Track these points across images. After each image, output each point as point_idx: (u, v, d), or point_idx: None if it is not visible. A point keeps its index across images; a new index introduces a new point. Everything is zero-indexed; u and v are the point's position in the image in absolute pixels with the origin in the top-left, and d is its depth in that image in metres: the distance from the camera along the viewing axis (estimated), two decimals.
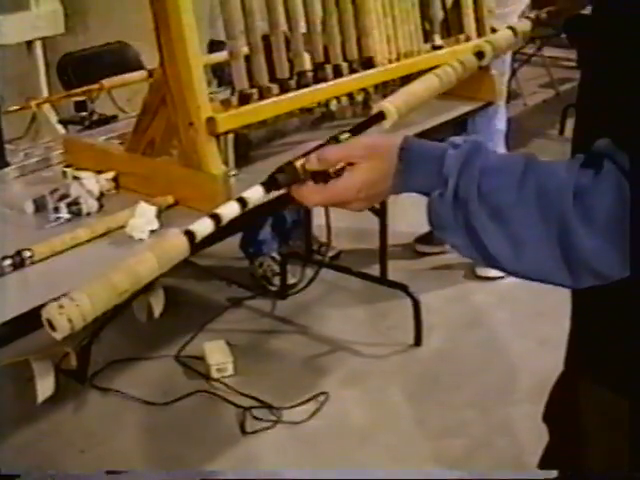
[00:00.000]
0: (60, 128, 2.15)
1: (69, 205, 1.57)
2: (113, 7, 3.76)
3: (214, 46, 2.61)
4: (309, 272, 3.06)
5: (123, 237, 1.47)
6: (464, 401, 2.54)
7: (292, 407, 2.48)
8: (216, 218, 0.84)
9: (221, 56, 2.05)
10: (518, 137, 4.10)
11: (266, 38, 1.66)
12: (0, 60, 3.29)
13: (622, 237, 0.78)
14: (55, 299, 0.75)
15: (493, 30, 2.19)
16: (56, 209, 1.56)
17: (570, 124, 4.44)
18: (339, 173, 0.90)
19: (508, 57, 3.29)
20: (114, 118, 2.20)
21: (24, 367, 2.00)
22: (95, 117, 2.16)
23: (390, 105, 0.98)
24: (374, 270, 3.06)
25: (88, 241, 1.46)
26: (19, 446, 2.31)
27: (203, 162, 1.54)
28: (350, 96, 1.84)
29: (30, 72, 3.64)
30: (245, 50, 1.64)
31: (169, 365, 2.71)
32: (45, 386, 1.95)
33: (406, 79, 1.85)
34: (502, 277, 3.08)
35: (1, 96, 2.79)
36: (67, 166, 1.79)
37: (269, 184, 0.88)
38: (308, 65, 1.76)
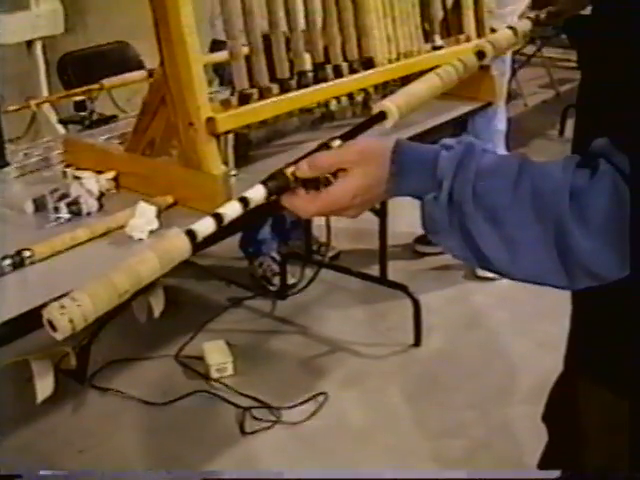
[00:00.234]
0: (60, 128, 2.16)
1: (69, 205, 1.57)
2: (113, 7, 3.76)
3: (216, 45, 2.61)
4: (309, 272, 3.05)
5: (123, 237, 1.47)
6: (464, 401, 2.53)
7: (291, 407, 2.47)
8: (218, 218, 0.83)
9: (221, 56, 2.05)
10: (518, 137, 4.10)
11: (266, 38, 1.66)
12: (0, 60, 3.29)
13: (618, 238, 0.78)
14: (56, 299, 0.74)
15: (493, 30, 2.19)
16: (56, 209, 1.56)
17: (570, 125, 4.44)
18: (330, 180, 0.89)
19: (508, 57, 3.29)
20: (114, 118, 2.20)
21: (23, 367, 1.99)
22: (95, 117, 2.17)
23: (391, 105, 0.97)
24: (374, 270, 3.06)
25: (88, 241, 1.46)
26: (18, 446, 2.31)
27: (203, 162, 1.54)
28: (350, 96, 1.84)
29: (30, 72, 3.64)
30: (245, 50, 1.64)
31: (168, 365, 2.71)
32: (44, 386, 1.94)
33: (406, 79, 1.85)
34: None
35: (1, 95, 2.79)
36: (67, 166, 1.79)
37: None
38: (308, 65, 1.76)
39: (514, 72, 4.83)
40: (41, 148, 1.95)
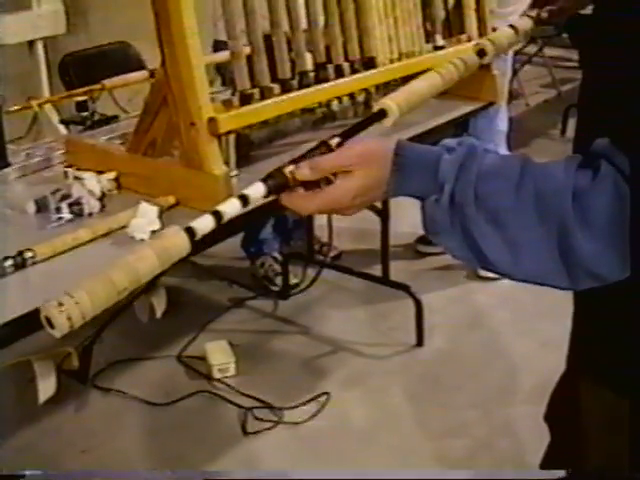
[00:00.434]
0: (61, 128, 2.16)
1: (71, 205, 1.57)
2: (114, 7, 3.76)
3: (218, 45, 2.61)
4: (311, 272, 3.05)
5: (125, 237, 1.47)
6: (466, 401, 2.53)
7: (293, 407, 2.47)
8: (217, 215, 0.83)
9: (223, 56, 2.05)
10: (520, 137, 4.10)
11: (268, 38, 1.66)
12: (1, 60, 3.29)
13: (620, 239, 0.78)
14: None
15: (494, 30, 2.19)
16: (58, 209, 1.56)
17: (572, 124, 4.44)
18: (330, 178, 0.89)
19: (510, 57, 3.29)
20: (115, 118, 2.20)
21: (26, 368, 1.99)
22: (96, 117, 2.17)
23: (391, 102, 0.97)
24: (376, 270, 3.06)
25: (90, 241, 1.46)
26: (21, 446, 2.31)
27: (204, 162, 1.54)
28: (352, 96, 1.84)
29: (31, 72, 3.64)
30: (247, 50, 1.63)
31: (171, 365, 2.71)
32: (47, 386, 1.94)
33: (408, 79, 1.84)
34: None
35: (2, 96, 2.79)
36: (68, 166, 1.79)
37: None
38: (310, 65, 1.76)
39: (515, 72, 4.83)
40: (43, 148, 1.95)
